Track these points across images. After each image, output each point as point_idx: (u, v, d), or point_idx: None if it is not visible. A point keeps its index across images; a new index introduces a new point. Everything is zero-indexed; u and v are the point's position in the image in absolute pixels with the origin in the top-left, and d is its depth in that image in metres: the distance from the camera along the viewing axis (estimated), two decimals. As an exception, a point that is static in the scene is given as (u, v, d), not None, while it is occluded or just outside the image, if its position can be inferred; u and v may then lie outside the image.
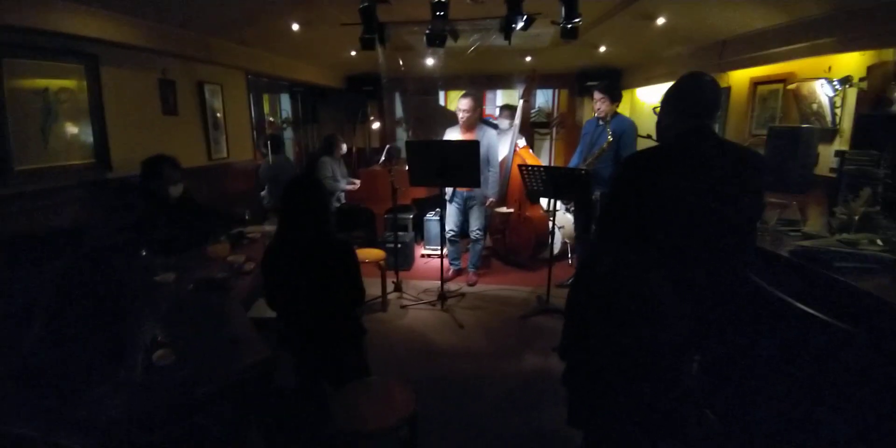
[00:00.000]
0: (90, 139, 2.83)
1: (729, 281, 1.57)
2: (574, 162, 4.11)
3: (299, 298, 2.03)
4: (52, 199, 2.58)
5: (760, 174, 1.62)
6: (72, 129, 2.71)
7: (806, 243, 1.91)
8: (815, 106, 3.06)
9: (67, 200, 2.67)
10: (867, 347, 1.59)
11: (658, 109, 1.75)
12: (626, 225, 1.60)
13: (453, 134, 4.15)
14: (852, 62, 2.88)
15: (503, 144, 4.57)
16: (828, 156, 3.06)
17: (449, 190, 4.17)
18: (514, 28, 2.99)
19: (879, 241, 1.87)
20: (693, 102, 1.61)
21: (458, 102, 4.04)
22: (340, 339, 2.09)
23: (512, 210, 4.74)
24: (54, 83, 2.59)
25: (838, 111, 2.96)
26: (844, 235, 1.96)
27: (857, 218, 2.04)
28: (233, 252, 2.68)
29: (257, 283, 2.43)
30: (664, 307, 1.53)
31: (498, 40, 3.43)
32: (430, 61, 4.97)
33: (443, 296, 3.85)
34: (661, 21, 3.44)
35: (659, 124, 1.72)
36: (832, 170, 3.01)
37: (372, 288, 3.25)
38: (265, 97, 6.70)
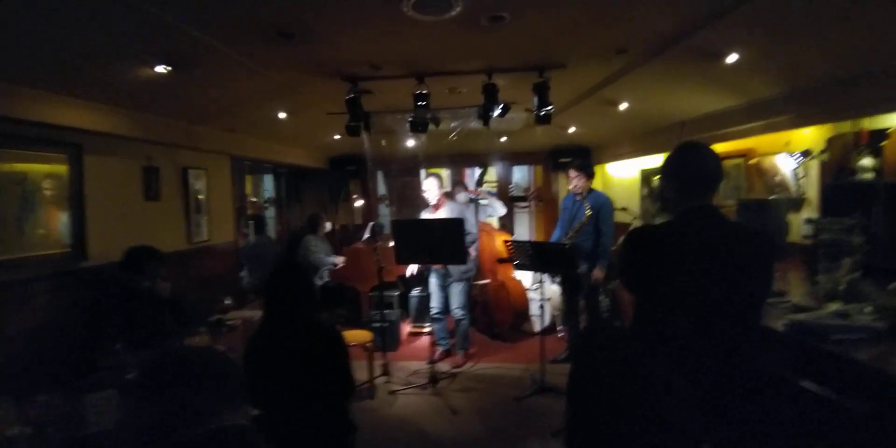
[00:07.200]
0: (67, 227, 2.76)
1: (735, 361, 1.54)
2: (556, 236, 4.19)
3: (284, 393, 1.89)
4: (25, 291, 2.45)
5: (770, 255, 1.56)
6: (49, 216, 2.65)
7: (800, 317, 1.92)
8: (777, 178, 3.25)
9: (40, 291, 2.54)
10: (871, 421, 1.54)
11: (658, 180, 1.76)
12: (637, 296, 1.57)
13: (426, 214, 4.25)
14: (810, 136, 3.08)
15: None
16: (798, 224, 3.19)
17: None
18: (492, 115, 3.18)
19: (868, 309, 1.89)
20: (694, 179, 1.53)
21: (423, 184, 4.17)
22: (329, 438, 1.92)
23: (488, 280, 4.71)
24: (35, 170, 2.57)
25: (802, 181, 3.13)
26: (834, 306, 1.98)
27: (841, 287, 2.08)
28: (212, 342, 2.53)
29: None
30: (673, 390, 1.47)
31: (477, 125, 3.63)
32: (411, 143, 5.21)
33: (433, 378, 3.66)
34: (623, 106, 3.72)
35: (661, 195, 1.66)
36: (805, 237, 3.12)
37: (358, 372, 3.05)
38: (248, 178, 6.82)
